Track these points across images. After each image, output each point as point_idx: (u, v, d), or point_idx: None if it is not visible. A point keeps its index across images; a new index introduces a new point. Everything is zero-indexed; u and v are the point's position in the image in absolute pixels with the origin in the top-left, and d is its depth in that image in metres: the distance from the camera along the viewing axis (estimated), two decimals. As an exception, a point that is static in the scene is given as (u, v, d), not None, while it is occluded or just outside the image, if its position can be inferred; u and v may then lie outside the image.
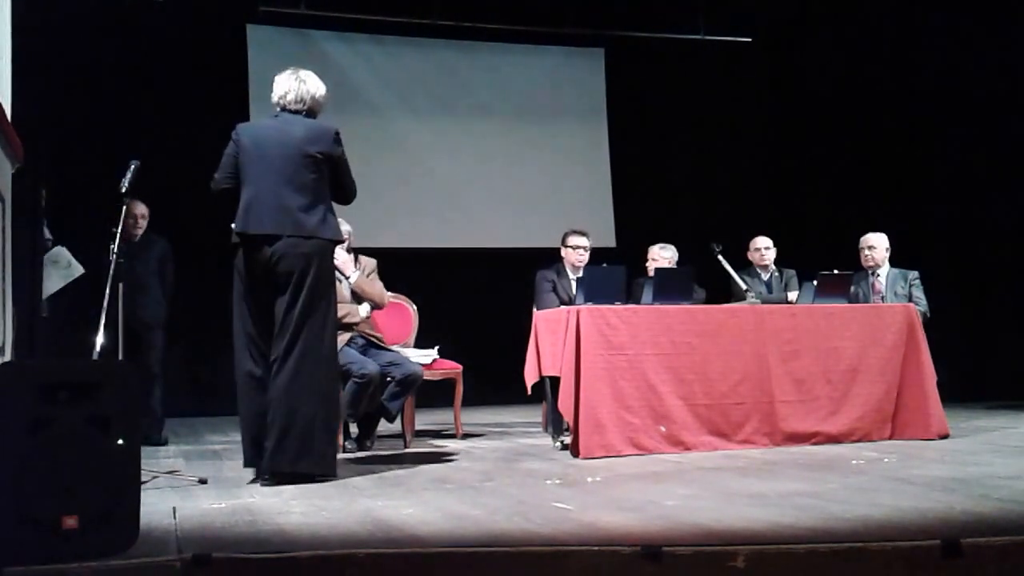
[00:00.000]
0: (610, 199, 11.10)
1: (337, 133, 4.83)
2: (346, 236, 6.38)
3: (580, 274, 6.66)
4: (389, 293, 6.54)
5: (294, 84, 4.84)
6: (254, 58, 9.88)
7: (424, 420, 7.40)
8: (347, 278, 6.23)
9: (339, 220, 6.32)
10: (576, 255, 6.91)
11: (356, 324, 6.15)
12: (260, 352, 4.72)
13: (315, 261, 4.66)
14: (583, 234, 7.00)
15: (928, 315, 6.85)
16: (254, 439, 4.71)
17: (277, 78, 4.88)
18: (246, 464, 4.81)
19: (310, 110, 4.85)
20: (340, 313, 6.11)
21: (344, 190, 4.92)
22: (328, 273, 4.79)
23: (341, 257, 6.24)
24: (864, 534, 3.19)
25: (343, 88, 10.17)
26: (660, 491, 4.25)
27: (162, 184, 8.57)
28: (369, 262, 6.45)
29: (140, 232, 6.98)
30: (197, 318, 9.41)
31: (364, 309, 6.22)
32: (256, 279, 4.68)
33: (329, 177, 4.80)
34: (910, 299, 7.00)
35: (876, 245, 7.14)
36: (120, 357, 4.80)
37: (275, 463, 4.58)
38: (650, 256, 7.35)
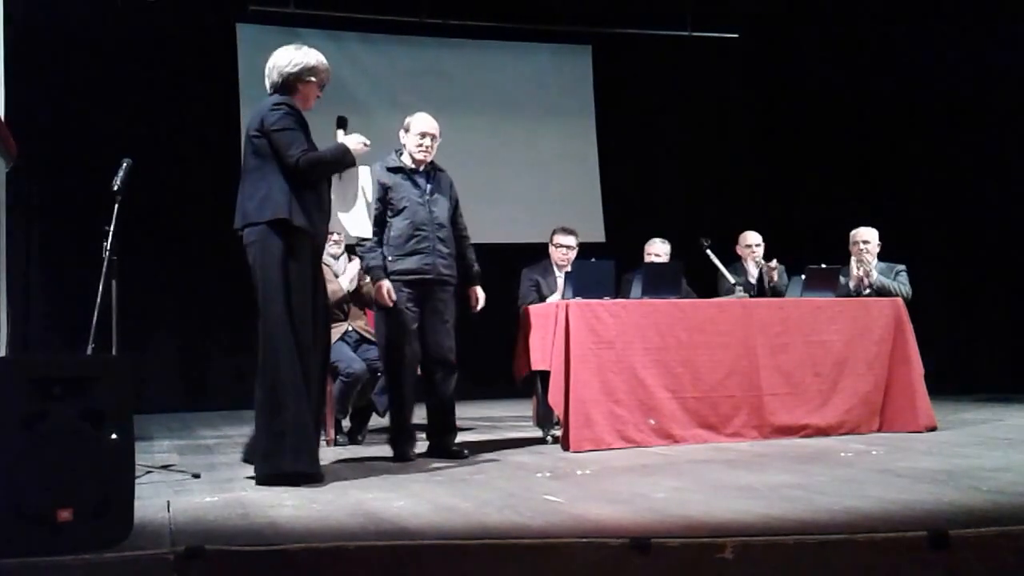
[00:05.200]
0: (599, 195, 11.12)
1: (275, 104, 4.54)
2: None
3: (568, 270, 6.68)
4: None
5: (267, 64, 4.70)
6: (243, 57, 9.87)
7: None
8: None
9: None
10: (560, 253, 6.92)
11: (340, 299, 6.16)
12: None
13: (252, 249, 4.47)
14: (570, 232, 6.98)
15: (909, 297, 6.84)
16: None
17: None
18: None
19: (275, 85, 4.64)
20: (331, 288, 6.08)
21: (282, 161, 4.47)
22: (265, 257, 4.43)
23: (351, 272, 6.26)
24: (852, 525, 3.23)
25: (332, 86, 10.11)
26: (649, 484, 4.28)
27: (154, 183, 8.60)
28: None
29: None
30: (190, 314, 9.44)
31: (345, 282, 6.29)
32: None
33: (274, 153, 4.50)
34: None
35: (870, 239, 7.13)
36: (114, 352, 4.79)
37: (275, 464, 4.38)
38: (651, 251, 7.34)
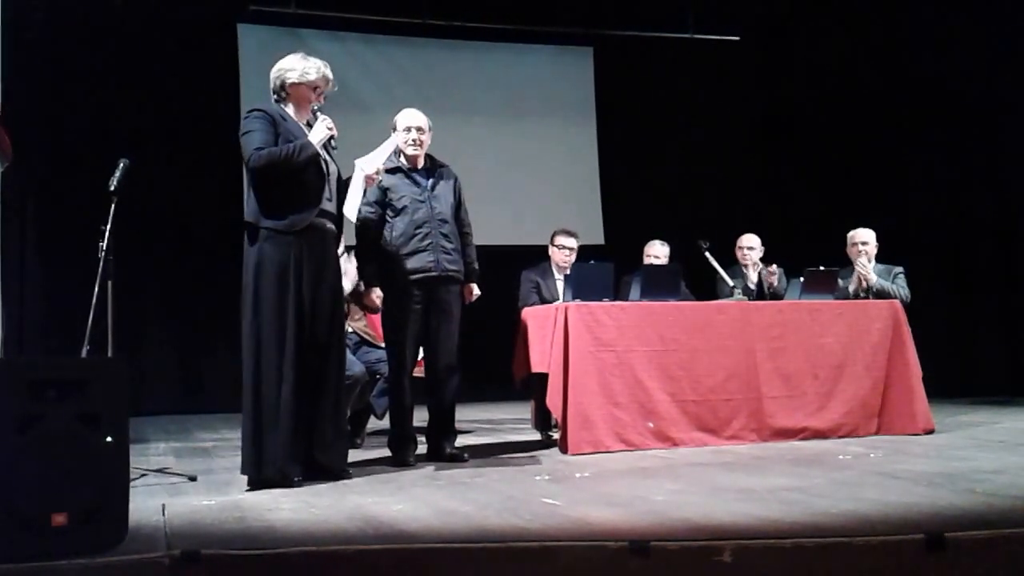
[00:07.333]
0: (599, 197, 11.10)
1: (247, 111, 4.67)
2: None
3: (568, 273, 6.66)
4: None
5: None
6: (245, 57, 9.85)
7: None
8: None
9: None
10: (562, 255, 6.90)
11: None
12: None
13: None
14: (571, 235, 6.96)
15: (908, 300, 6.82)
16: None
17: None
18: None
19: (279, 95, 4.73)
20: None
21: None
22: (247, 260, 4.53)
23: (351, 273, 6.22)
24: (849, 528, 3.22)
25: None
26: (648, 486, 4.27)
27: (153, 183, 8.59)
28: None
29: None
30: (188, 314, 9.42)
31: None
32: None
33: None
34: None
35: (868, 240, 7.13)
36: (110, 353, 4.78)
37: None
38: (650, 253, 7.31)
